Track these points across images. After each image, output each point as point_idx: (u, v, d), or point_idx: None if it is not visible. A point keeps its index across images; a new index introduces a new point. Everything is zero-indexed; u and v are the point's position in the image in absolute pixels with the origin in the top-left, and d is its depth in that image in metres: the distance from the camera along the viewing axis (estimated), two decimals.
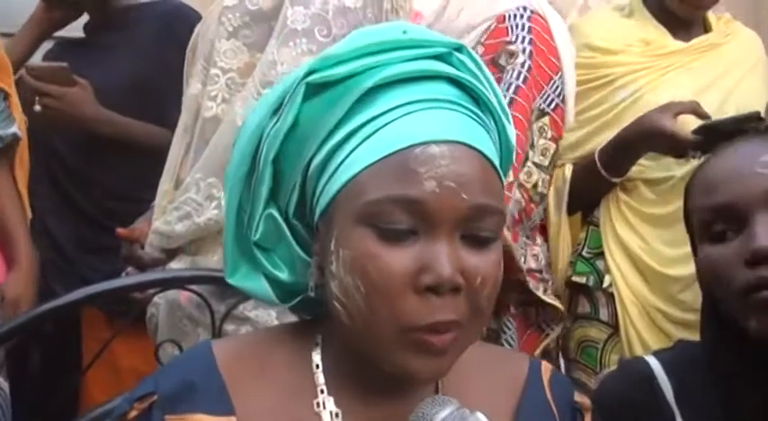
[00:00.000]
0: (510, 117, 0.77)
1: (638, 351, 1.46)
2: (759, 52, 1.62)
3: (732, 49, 1.58)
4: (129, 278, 1.39)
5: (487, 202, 0.69)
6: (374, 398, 0.75)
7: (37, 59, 1.94)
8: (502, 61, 1.43)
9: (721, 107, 1.48)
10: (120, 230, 1.47)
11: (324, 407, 0.74)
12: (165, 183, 1.42)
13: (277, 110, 0.74)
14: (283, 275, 0.78)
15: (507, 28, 1.45)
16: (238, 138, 0.77)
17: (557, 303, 1.48)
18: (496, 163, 0.72)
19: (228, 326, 1.27)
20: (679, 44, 1.57)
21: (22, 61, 1.84)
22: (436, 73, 0.71)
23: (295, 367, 0.76)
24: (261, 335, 0.89)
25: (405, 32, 0.72)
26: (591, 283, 1.55)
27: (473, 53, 0.75)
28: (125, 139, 1.77)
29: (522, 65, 1.41)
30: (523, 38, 1.43)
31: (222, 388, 0.74)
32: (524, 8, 1.46)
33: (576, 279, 1.56)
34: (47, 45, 1.98)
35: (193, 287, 1.27)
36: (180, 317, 1.30)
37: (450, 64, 0.73)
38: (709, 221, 0.95)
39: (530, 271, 1.44)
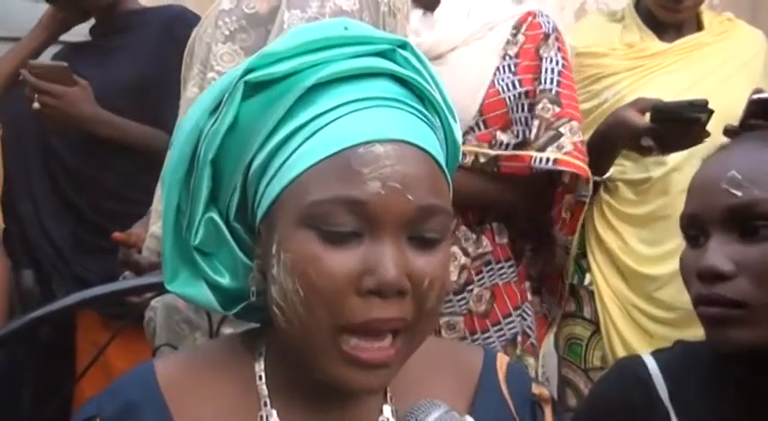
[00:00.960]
0: (455, 115, 0.76)
1: (618, 348, 1.48)
2: (756, 49, 1.63)
3: (722, 48, 1.59)
4: (126, 282, 1.39)
5: (434, 203, 0.68)
6: (319, 408, 0.74)
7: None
8: (542, 51, 1.53)
9: None
10: (116, 235, 1.46)
11: (267, 420, 0.72)
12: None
13: (216, 109, 0.72)
14: (225, 281, 0.75)
15: (540, 23, 1.55)
16: (176, 138, 0.75)
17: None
18: (442, 162, 0.71)
19: (226, 330, 1.26)
20: (662, 46, 1.59)
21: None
22: (379, 70, 0.70)
23: (238, 379, 0.75)
24: (204, 348, 0.88)
25: (346, 29, 0.71)
26: (576, 282, 1.58)
27: (417, 50, 0.73)
28: (122, 141, 1.78)
29: (555, 55, 1.52)
30: (553, 30, 1.54)
31: (163, 407, 0.73)
32: (541, 12, 1.57)
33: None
34: (53, 49, 1.99)
35: None
36: (177, 321, 1.29)
37: (394, 61, 0.72)
38: (685, 225, 0.97)
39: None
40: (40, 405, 1.61)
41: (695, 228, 0.95)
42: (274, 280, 0.68)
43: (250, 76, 0.69)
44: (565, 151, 1.45)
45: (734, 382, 0.95)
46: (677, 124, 1.34)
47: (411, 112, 0.70)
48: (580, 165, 1.45)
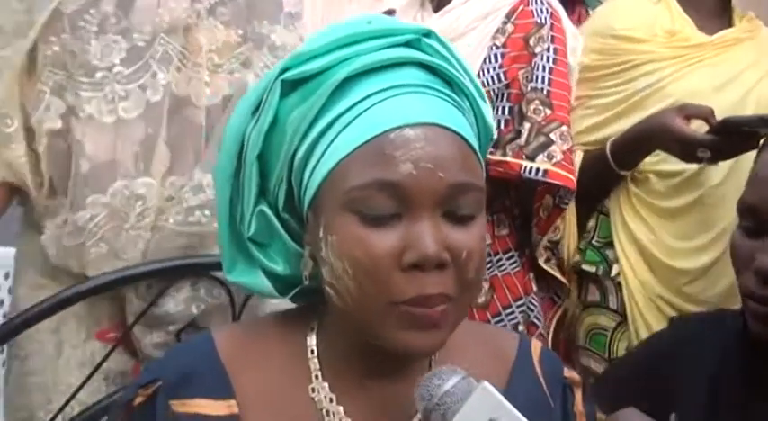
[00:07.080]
0: (485, 97, 0.80)
1: None
2: None
3: (754, 46, 1.58)
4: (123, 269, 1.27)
5: (465, 180, 0.72)
6: (369, 381, 0.78)
7: None
8: (531, 41, 1.51)
9: (741, 102, 1.50)
10: None
11: (319, 392, 0.77)
12: None
13: (256, 109, 0.77)
14: (279, 268, 0.80)
15: (533, 11, 1.52)
16: (223, 140, 0.80)
17: (560, 276, 1.56)
18: (473, 142, 0.74)
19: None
20: (703, 37, 1.56)
21: None
22: (406, 59, 0.74)
23: (291, 353, 0.79)
24: (259, 322, 0.92)
25: (369, 23, 0.75)
26: (600, 272, 1.57)
27: (442, 38, 0.77)
28: None
29: (548, 49, 1.50)
30: (547, 20, 1.52)
31: (223, 373, 0.77)
32: None
33: (585, 267, 1.58)
34: None
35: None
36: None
37: (420, 49, 0.75)
38: (742, 212, 0.98)
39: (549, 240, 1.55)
40: None
41: (753, 220, 0.95)
42: (324, 261, 0.73)
43: (286, 75, 0.74)
44: (555, 161, 1.45)
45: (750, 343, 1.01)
46: (740, 137, 1.31)
47: (439, 97, 0.73)
48: (569, 177, 1.46)
